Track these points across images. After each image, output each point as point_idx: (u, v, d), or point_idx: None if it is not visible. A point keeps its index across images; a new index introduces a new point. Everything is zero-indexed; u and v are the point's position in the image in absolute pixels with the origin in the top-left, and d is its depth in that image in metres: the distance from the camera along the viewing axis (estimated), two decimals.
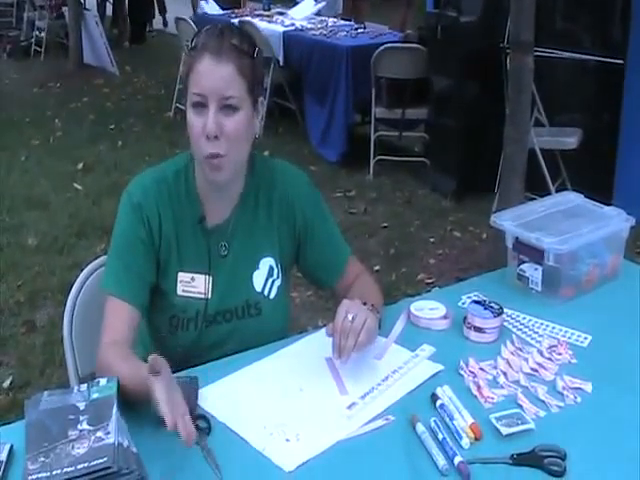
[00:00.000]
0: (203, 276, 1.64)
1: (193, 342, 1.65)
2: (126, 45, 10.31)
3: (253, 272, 1.69)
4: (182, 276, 1.64)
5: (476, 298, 1.80)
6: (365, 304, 1.58)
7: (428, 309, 1.75)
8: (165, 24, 11.47)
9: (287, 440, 1.34)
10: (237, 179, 1.64)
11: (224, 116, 1.50)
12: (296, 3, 7.46)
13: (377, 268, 3.97)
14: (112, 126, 6.66)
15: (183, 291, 1.64)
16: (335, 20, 6.58)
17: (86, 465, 1.16)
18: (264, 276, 1.69)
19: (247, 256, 1.68)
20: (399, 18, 8.31)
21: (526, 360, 1.58)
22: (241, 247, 1.67)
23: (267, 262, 1.70)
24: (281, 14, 6.91)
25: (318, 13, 6.91)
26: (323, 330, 1.54)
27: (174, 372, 1.38)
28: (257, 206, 1.68)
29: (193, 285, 1.64)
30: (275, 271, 1.71)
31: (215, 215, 1.65)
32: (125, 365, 1.42)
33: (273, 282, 1.70)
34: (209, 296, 1.64)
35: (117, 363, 1.44)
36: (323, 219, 1.75)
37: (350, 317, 1.50)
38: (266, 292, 1.70)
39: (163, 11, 11.63)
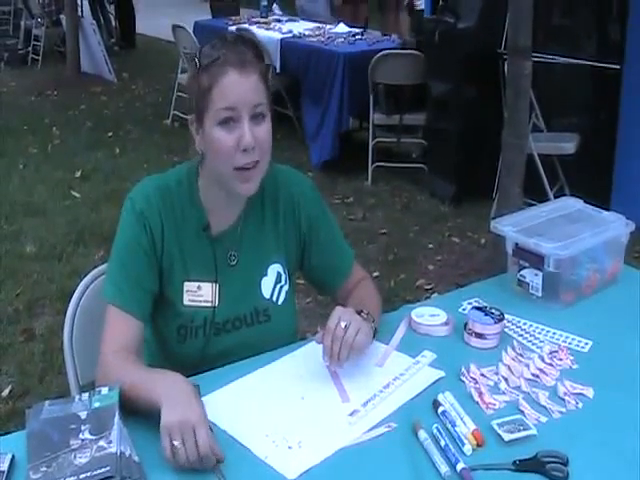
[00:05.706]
0: (210, 284, 1.63)
1: (202, 350, 1.63)
2: (116, 49, 10.27)
3: (262, 279, 1.68)
4: (188, 286, 1.62)
5: (477, 304, 1.80)
6: (361, 312, 1.59)
7: (429, 316, 1.75)
8: None
9: (289, 448, 1.34)
10: None
11: (255, 125, 1.50)
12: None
13: (376, 274, 3.97)
14: (110, 133, 6.66)
15: (189, 301, 1.62)
16: (332, 26, 6.56)
17: (88, 474, 1.16)
18: (272, 282, 1.69)
19: (256, 263, 1.67)
20: (392, 22, 8.28)
21: (527, 366, 1.58)
22: (250, 254, 1.66)
23: (275, 268, 1.69)
24: (278, 21, 6.91)
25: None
26: None
27: None
28: (264, 211, 1.68)
29: (199, 294, 1.62)
30: (283, 277, 1.70)
31: (220, 222, 1.64)
32: (133, 372, 1.43)
33: (281, 288, 1.70)
34: (216, 304, 1.63)
35: (122, 371, 1.43)
36: (327, 222, 1.75)
37: (343, 325, 1.50)
38: (274, 298, 1.69)
39: None
